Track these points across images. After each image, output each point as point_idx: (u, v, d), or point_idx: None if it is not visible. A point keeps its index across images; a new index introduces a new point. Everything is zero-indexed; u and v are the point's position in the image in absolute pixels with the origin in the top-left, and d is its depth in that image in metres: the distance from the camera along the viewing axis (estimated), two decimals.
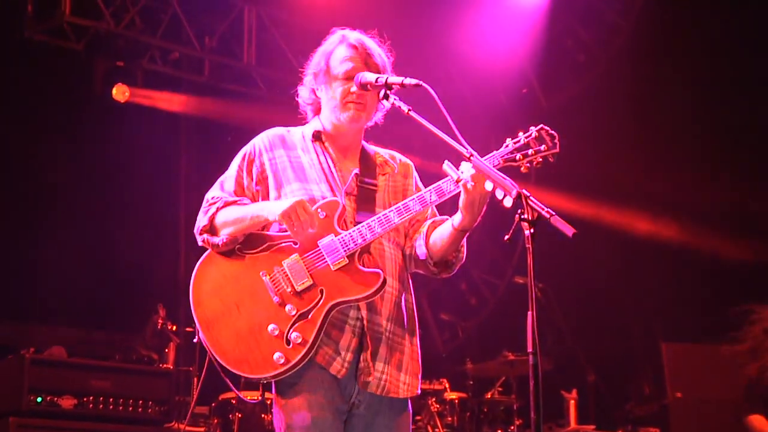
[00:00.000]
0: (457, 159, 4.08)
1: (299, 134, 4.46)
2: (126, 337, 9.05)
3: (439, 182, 4.21)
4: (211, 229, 4.28)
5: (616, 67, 11.21)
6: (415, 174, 4.60)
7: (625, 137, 10.99)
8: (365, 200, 4.35)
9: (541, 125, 4.25)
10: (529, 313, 3.57)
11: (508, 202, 3.81)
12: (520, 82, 11.83)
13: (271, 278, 4.19)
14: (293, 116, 4.60)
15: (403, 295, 4.38)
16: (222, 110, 10.85)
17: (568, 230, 3.53)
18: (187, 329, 8.53)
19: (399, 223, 4.24)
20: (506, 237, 3.69)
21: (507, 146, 4.22)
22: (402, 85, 4.19)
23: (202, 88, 10.77)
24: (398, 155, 4.62)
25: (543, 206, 3.61)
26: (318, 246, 4.18)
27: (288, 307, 4.14)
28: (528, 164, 4.20)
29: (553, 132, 4.23)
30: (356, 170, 4.40)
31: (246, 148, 4.44)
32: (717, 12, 10.24)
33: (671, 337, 9.69)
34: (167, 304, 8.67)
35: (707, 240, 10.51)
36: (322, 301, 4.14)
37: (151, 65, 10.31)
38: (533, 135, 4.22)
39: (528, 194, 3.64)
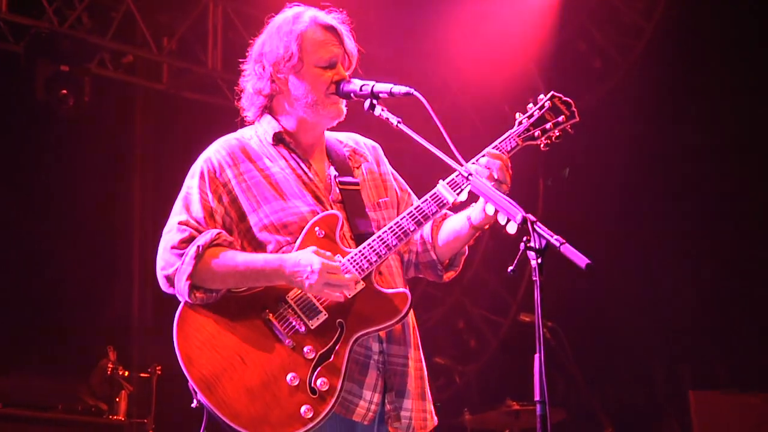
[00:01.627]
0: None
1: (256, 140, 4.39)
2: (70, 384, 8.99)
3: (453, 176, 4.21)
4: (194, 279, 4.12)
5: (637, 75, 11.25)
6: (384, 157, 4.59)
7: (648, 155, 11.02)
8: (353, 204, 4.33)
9: (552, 92, 4.28)
10: (537, 355, 3.57)
11: (512, 229, 3.82)
12: (526, 92, 11.83)
13: (277, 318, 4.11)
14: None
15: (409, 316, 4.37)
16: (183, 122, 10.86)
17: (582, 261, 3.53)
18: (141, 375, 8.49)
19: (415, 232, 4.21)
20: (510, 268, 3.70)
21: (521, 123, 4.26)
22: (390, 93, 4.20)
23: (160, 97, 10.78)
24: (361, 139, 4.61)
25: (552, 233, 3.62)
26: None
27: (305, 350, 4.07)
28: (547, 140, 4.24)
29: (567, 99, 4.27)
30: (334, 172, 4.38)
31: (201, 166, 4.33)
32: (756, 11, 10.27)
33: (699, 385, 9.68)
34: (118, 346, 8.62)
35: (742, 278, 10.53)
36: (343, 336, 4.08)
37: (101, 70, 10.30)
38: (546, 105, 4.25)
39: (535, 219, 3.65)
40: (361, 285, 4.12)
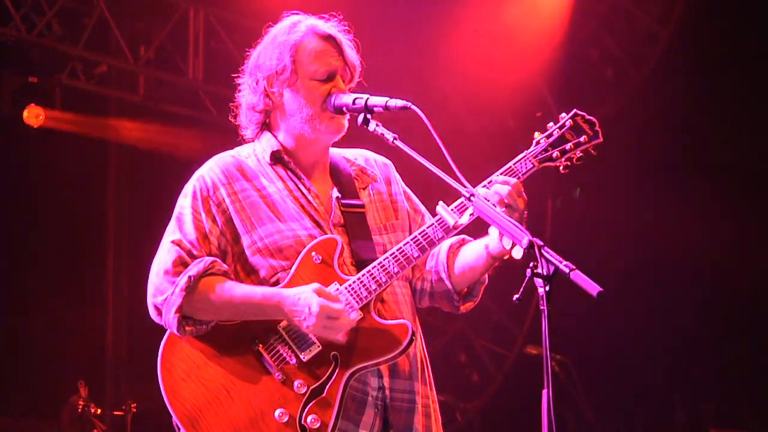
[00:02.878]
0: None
1: (253, 158, 4.38)
2: (37, 423, 8.96)
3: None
4: (184, 310, 4.10)
5: (653, 86, 11.28)
6: (396, 174, 4.57)
7: (665, 173, 11.03)
8: (356, 228, 4.30)
9: (575, 110, 4.28)
10: (545, 391, 3.56)
11: (517, 254, 3.81)
12: (532, 103, 11.89)
13: (267, 349, 4.09)
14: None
15: (415, 348, 4.33)
16: (161, 138, 10.87)
17: (593, 289, 3.52)
18: (115, 413, 8.47)
19: (419, 259, 4.19)
20: (516, 297, 3.68)
21: (538, 143, 4.24)
22: (386, 107, 4.18)
23: (136, 110, 10.79)
24: (371, 155, 4.59)
25: (561, 258, 3.61)
26: None
27: (296, 384, 4.05)
28: (567, 162, 4.23)
29: (591, 118, 4.26)
30: (336, 192, 4.36)
31: (194, 184, 4.31)
32: None
33: (722, 423, 9.68)
34: (90, 382, 8.61)
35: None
36: (337, 370, 4.06)
37: (73, 81, 10.32)
38: (568, 125, 4.25)
39: (542, 243, 3.64)
40: (358, 315, 4.10)
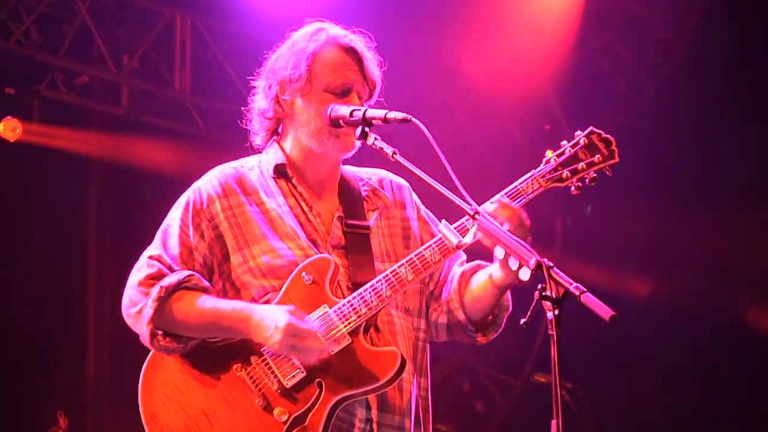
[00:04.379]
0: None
1: (257, 171, 4.43)
2: None
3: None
4: (156, 322, 4.17)
5: (668, 98, 11.27)
6: (415, 198, 4.61)
7: (683, 191, 11.02)
8: (358, 251, 4.34)
9: (591, 128, 4.30)
10: (554, 422, 3.58)
11: (525, 275, 3.83)
12: (540, 116, 11.90)
13: (249, 373, 4.14)
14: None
15: (419, 380, 4.36)
16: (146, 153, 10.88)
17: (606, 312, 3.53)
18: None
19: (414, 282, 4.23)
20: (523, 321, 3.70)
21: (549, 161, 4.26)
22: (384, 120, 4.21)
23: (119, 123, 10.80)
24: (388, 176, 4.62)
25: (571, 280, 3.63)
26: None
27: (276, 412, 4.09)
28: (579, 182, 4.25)
29: (607, 136, 4.28)
30: (338, 212, 4.39)
31: (188, 196, 4.37)
32: None
33: None
34: (70, 411, 8.60)
35: None
36: (321, 398, 4.09)
37: (52, 92, 10.33)
38: (582, 143, 4.26)
39: (551, 264, 3.66)
40: (347, 340, 4.13)
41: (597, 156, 4.26)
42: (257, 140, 4.52)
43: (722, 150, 10.89)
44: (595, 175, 4.26)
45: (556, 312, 3.59)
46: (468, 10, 11.03)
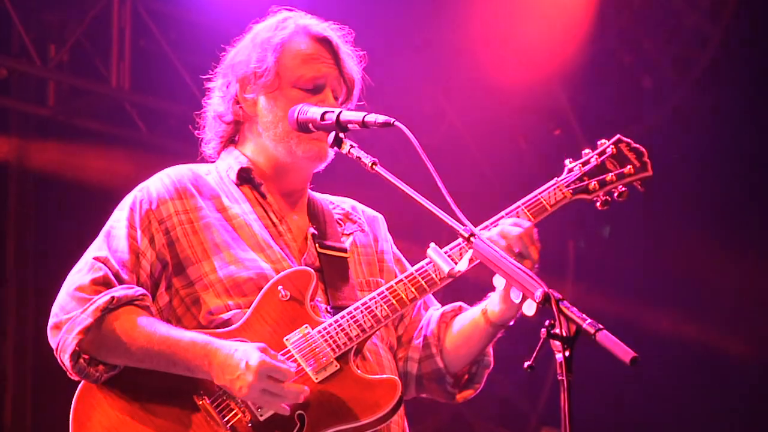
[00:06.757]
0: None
1: (215, 175, 4.46)
2: None
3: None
4: (90, 336, 4.12)
5: (701, 99, 11.30)
6: (387, 233, 4.69)
7: (720, 212, 11.05)
8: (335, 275, 4.37)
9: (618, 136, 4.35)
10: None
11: (530, 309, 3.85)
12: (549, 119, 11.93)
13: (214, 403, 4.12)
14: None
15: (402, 422, 4.38)
16: (75, 160, 10.86)
17: (626, 354, 3.54)
18: None
19: (415, 301, 4.27)
20: (527, 364, 3.70)
21: (571, 170, 4.30)
22: (362, 124, 4.23)
23: (44, 126, 10.79)
24: (360, 205, 4.71)
25: (585, 316, 3.63)
26: (286, 345, 4.16)
27: None
28: (606, 196, 4.30)
29: (638, 146, 4.35)
30: (311, 229, 4.43)
31: (135, 195, 4.38)
32: None
33: None
34: None
35: None
36: None
37: None
38: (609, 152, 4.31)
39: (561, 296, 3.66)
40: (334, 366, 4.13)
41: (628, 167, 4.34)
42: (209, 149, 4.52)
43: (761, 157, 10.92)
44: (624, 189, 4.34)
45: (567, 353, 3.60)
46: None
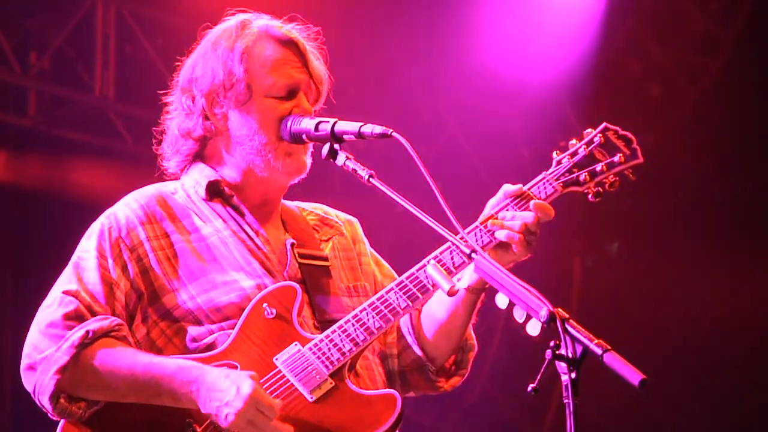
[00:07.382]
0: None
1: (182, 194, 4.45)
2: None
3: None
4: (68, 375, 4.10)
5: (712, 109, 11.30)
6: (363, 235, 4.71)
7: (733, 226, 11.05)
8: (318, 285, 4.37)
9: (605, 124, 4.36)
10: None
11: (534, 329, 3.83)
12: (553, 128, 11.91)
13: (205, 431, 4.11)
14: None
15: None
16: (57, 173, 10.86)
17: (634, 376, 3.53)
18: None
19: (408, 311, 4.28)
20: (531, 387, 3.70)
21: (560, 162, 4.32)
22: (359, 135, 4.23)
23: (24, 136, 10.79)
24: (332, 210, 4.73)
25: (592, 336, 3.62)
26: (276, 366, 4.16)
27: None
28: (598, 188, 4.31)
29: (626, 133, 4.36)
30: (290, 239, 4.43)
31: (102, 222, 4.36)
32: None
33: None
34: None
35: None
36: None
37: None
38: (596, 141, 4.32)
39: (567, 316, 3.66)
40: (329, 384, 4.13)
41: (618, 156, 4.35)
42: (170, 165, 4.51)
43: None
44: (615, 178, 4.34)
45: (573, 375, 3.59)
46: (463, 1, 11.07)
